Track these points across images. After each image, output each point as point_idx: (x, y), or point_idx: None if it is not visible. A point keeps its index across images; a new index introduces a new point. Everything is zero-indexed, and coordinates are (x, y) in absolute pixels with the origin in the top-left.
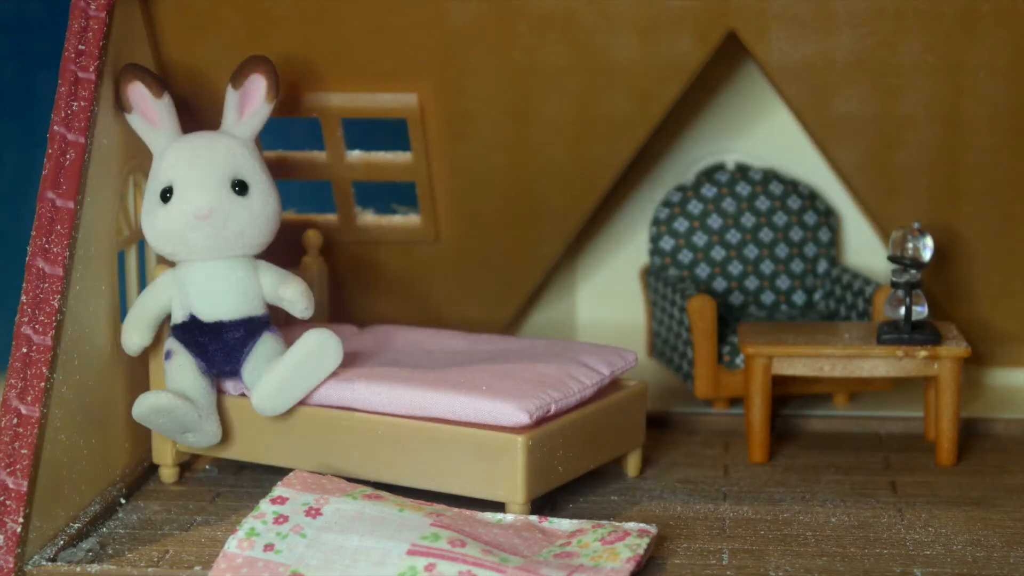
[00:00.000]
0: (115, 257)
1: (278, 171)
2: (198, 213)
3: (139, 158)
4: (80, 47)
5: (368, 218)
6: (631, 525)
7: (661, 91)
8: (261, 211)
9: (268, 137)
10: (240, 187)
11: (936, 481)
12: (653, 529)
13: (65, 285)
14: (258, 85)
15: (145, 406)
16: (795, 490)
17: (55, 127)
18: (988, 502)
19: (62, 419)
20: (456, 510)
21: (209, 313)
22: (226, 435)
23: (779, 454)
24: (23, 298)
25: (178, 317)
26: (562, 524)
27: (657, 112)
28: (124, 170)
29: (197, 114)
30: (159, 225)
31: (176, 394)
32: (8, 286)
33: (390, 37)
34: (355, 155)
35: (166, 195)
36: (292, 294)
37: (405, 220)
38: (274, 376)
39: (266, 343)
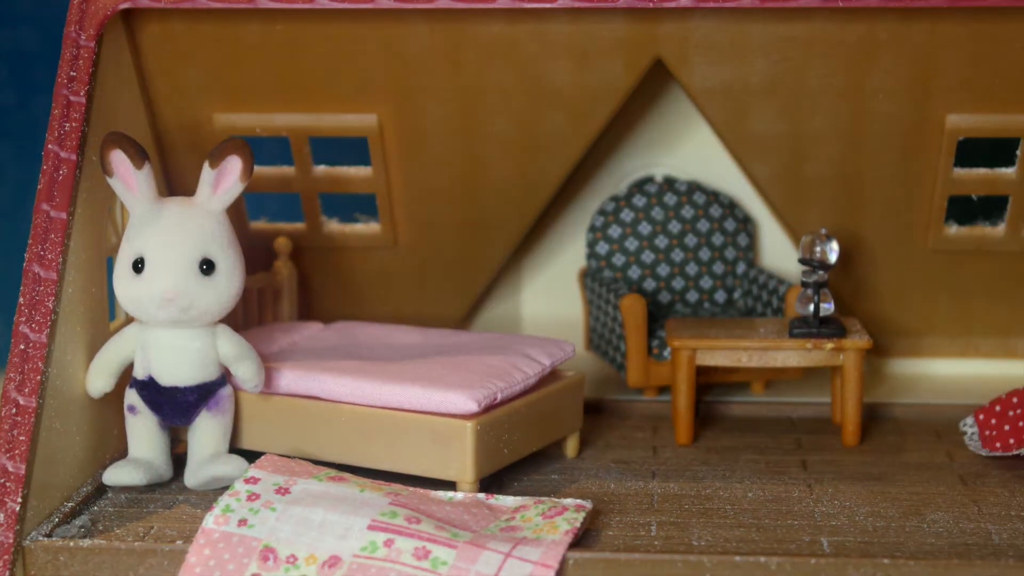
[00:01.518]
0: (104, 262)
1: (252, 185)
2: (165, 295)
3: None
4: (72, 73)
5: (333, 226)
6: (569, 501)
7: (596, 111)
8: (225, 289)
9: None
10: (208, 266)
11: (842, 460)
12: (589, 504)
13: (59, 288)
14: (234, 165)
15: (116, 480)
16: (716, 468)
17: (49, 145)
18: (887, 478)
19: (56, 409)
20: (412, 489)
21: (167, 379)
22: None
23: (702, 436)
24: (21, 300)
25: (139, 374)
26: (507, 501)
27: (592, 130)
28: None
29: (177, 132)
30: (130, 294)
31: (143, 465)
32: (8, 289)
33: (351, 63)
34: (321, 170)
35: (138, 266)
36: (245, 374)
37: (366, 228)
38: (192, 480)
39: (205, 427)
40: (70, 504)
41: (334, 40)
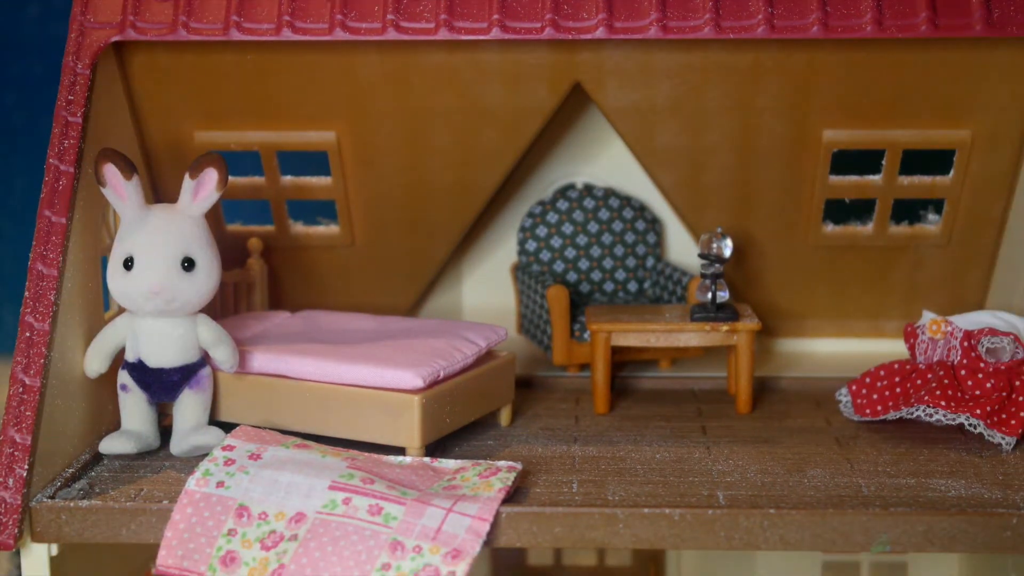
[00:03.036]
0: (99, 261)
1: (228, 193)
2: (152, 289)
3: None
4: (70, 97)
5: (299, 228)
6: (502, 463)
7: (524, 128)
8: (204, 284)
9: None
10: (189, 264)
11: (736, 425)
12: (519, 466)
13: (59, 283)
14: (211, 177)
15: (111, 449)
16: (629, 434)
17: (50, 160)
18: (774, 440)
19: (58, 388)
20: (367, 455)
21: (154, 361)
22: None
23: (617, 407)
24: (26, 293)
25: (130, 357)
26: (448, 463)
27: (521, 144)
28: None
29: (162, 148)
30: (120, 288)
31: (134, 436)
32: (17, 284)
33: (313, 87)
34: (288, 179)
35: (127, 263)
36: (221, 356)
37: (328, 230)
38: (176, 449)
39: (187, 402)
40: (70, 470)
41: (298, 67)
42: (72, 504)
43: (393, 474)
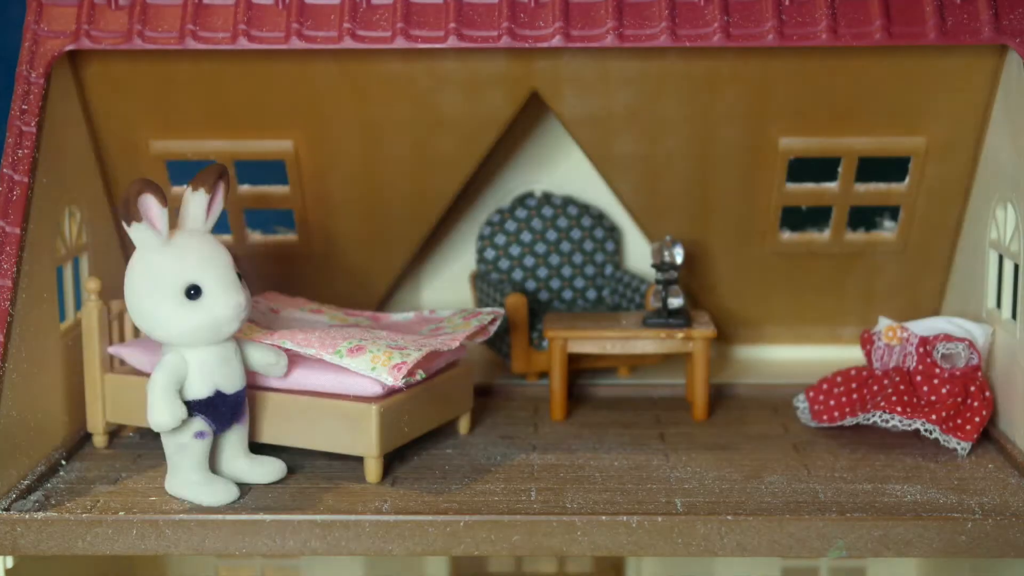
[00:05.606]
0: (54, 271)
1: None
2: (240, 306)
3: (72, 193)
4: (24, 107)
5: (256, 237)
6: (488, 311)
7: (482, 136)
8: (249, 293)
9: (177, 176)
10: (240, 276)
11: (694, 432)
12: (501, 311)
13: (14, 293)
14: (221, 190)
15: (221, 501)
16: (588, 442)
17: (4, 169)
18: (732, 447)
19: (14, 399)
20: (369, 319)
21: (231, 386)
22: None
23: (576, 414)
24: None
25: (201, 393)
26: (442, 313)
27: (479, 152)
28: (60, 203)
29: (118, 157)
30: (193, 320)
31: (224, 479)
32: None
33: (270, 96)
34: (245, 188)
35: (191, 293)
36: (281, 361)
37: (285, 238)
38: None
39: (238, 435)
40: (26, 482)
41: (254, 76)
42: (28, 516)
43: (393, 328)
